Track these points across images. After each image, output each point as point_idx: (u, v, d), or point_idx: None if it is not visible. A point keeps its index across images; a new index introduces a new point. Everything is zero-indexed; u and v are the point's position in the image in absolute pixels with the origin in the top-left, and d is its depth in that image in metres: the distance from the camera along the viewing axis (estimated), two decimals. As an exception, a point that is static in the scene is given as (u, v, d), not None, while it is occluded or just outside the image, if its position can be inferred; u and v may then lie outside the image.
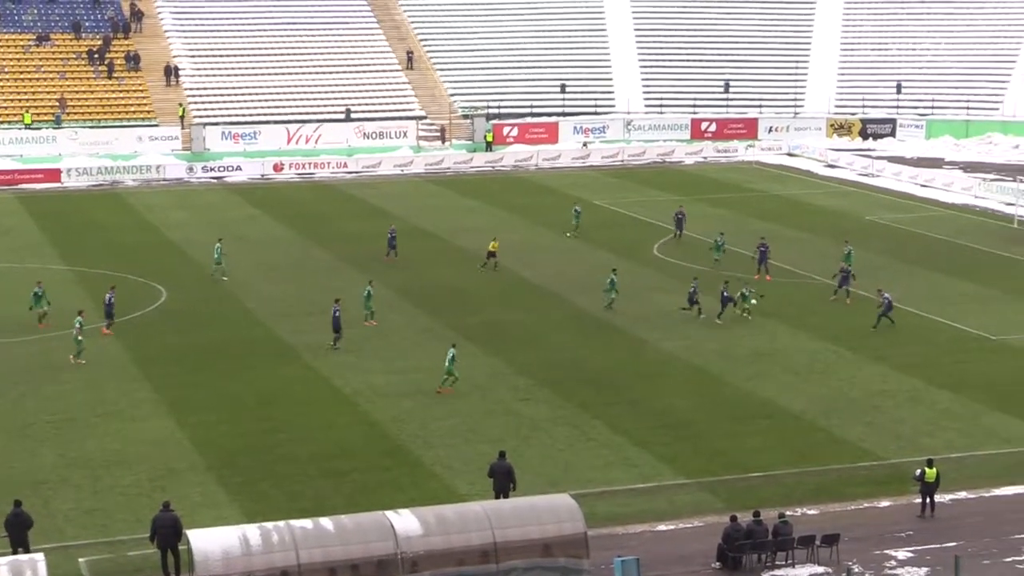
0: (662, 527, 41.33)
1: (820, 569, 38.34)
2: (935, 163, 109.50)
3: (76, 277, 72.34)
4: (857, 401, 52.08)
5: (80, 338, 56.74)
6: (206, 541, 34.72)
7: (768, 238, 74.32)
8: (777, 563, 38.66)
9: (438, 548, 35.36)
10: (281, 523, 35.64)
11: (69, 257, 77.14)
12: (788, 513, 40.30)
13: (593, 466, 45.80)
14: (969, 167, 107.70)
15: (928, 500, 41.89)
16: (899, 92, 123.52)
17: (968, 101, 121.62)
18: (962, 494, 43.39)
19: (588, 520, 37.17)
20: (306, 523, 35.65)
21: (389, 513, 36.19)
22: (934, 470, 41.74)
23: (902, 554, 39.25)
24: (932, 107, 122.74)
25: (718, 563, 38.50)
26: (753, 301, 62.50)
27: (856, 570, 37.74)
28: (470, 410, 51.12)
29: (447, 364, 52.88)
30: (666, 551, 39.34)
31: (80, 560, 38.79)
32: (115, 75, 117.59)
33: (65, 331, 58.63)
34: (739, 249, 75.06)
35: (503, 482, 41.29)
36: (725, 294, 62.37)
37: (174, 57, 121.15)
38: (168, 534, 37.39)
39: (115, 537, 40.16)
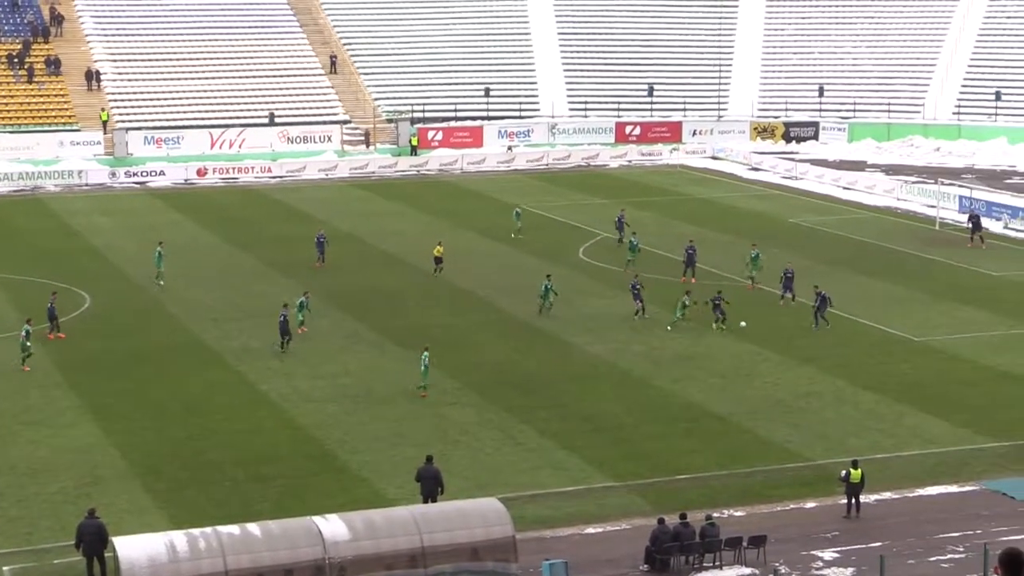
0: (590, 530, 41.41)
1: (747, 570, 38.54)
2: (858, 166, 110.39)
3: (-3, 283, 71.64)
4: (783, 403, 52.40)
5: (28, 344, 56.06)
6: (132, 548, 34.46)
7: (694, 241, 74.61)
8: (704, 565, 38.82)
9: (366, 553, 35.27)
10: (208, 529, 35.44)
11: (-10, 263, 76.36)
12: (715, 515, 40.47)
13: (521, 470, 45.82)
14: (891, 170, 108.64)
15: (854, 501, 42.22)
16: (821, 95, 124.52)
17: (890, 104, 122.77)
18: (887, 495, 43.75)
19: (516, 524, 37.17)
20: (233, 529, 35.45)
21: (317, 518, 36.05)
22: (859, 471, 42.09)
23: (828, 554, 39.53)
24: (854, 110, 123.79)
25: (646, 565, 38.62)
26: (684, 312, 62.17)
27: (783, 571, 37.95)
28: (397, 414, 51.01)
29: (423, 369, 52.87)
30: (594, 554, 39.40)
31: (4, 569, 38.35)
32: (35, 80, 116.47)
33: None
34: (666, 253, 75.39)
35: (430, 487, 41.21)
36: (637, 288, 63.31)
37: (95, 61, 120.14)
38: (94, 541, 37.06)
39: (40, 545, 39.74)
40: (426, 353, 53.54)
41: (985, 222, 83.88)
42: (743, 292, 68.44)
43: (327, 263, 75.15)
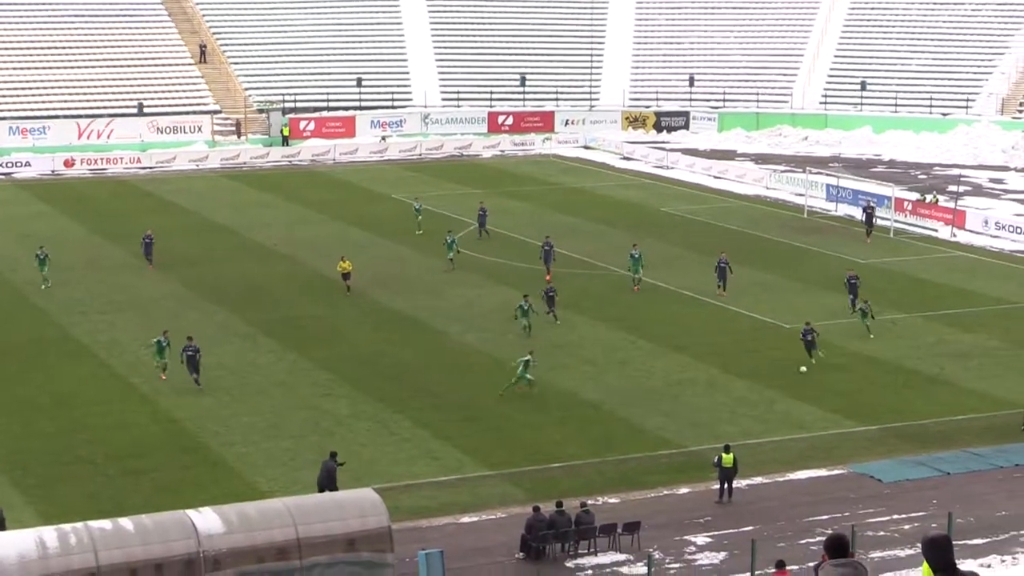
0: (466, 519, 41.52)
1: (622, 556, 38.84)
2: (728, 155, 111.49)
3: None
4: (656, 390, 52.84)
5: None
6: (1, 545, 33.89)
7: (556, 233, 74.66)
8: (580, 552, 39.08)
9: (241, 545, 35.00)
10: (79, 524, 34.94)
11: None
12: (590, 502, 40.77)
13: (396, 460, 45.79)
14: (760, 159, 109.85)
15: (726, 486, 42.72)
16: (692, 85, 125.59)
17: (758, 94, 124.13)
18: (758, 479, 44.33)
19: (392, 514, 37.12)
20: (105, 524, 35.02)
21: (190, 512, 35.71)
22: (731, 455, 42.59)
23: (701, 539, 39.98)
24: (724, 100, 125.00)
25: (521, 553, 38.79)
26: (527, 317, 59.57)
27: (657, 556, 38.31)
28: (271, 406, 50.73)
29: (520, 370, 51.76)
30: (470, 543, 39.52)
31: None
32: None
33: None
34: (536, 242, 75.62)
35: (326, 482, 41.23)
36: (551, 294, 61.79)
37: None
38: None
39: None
40: (525, 358, 52.19)
41: (850, 210, 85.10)
42: (617, 283, 68.81)
43: (195, 253, 74.43)
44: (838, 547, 14.13)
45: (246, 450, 46.40)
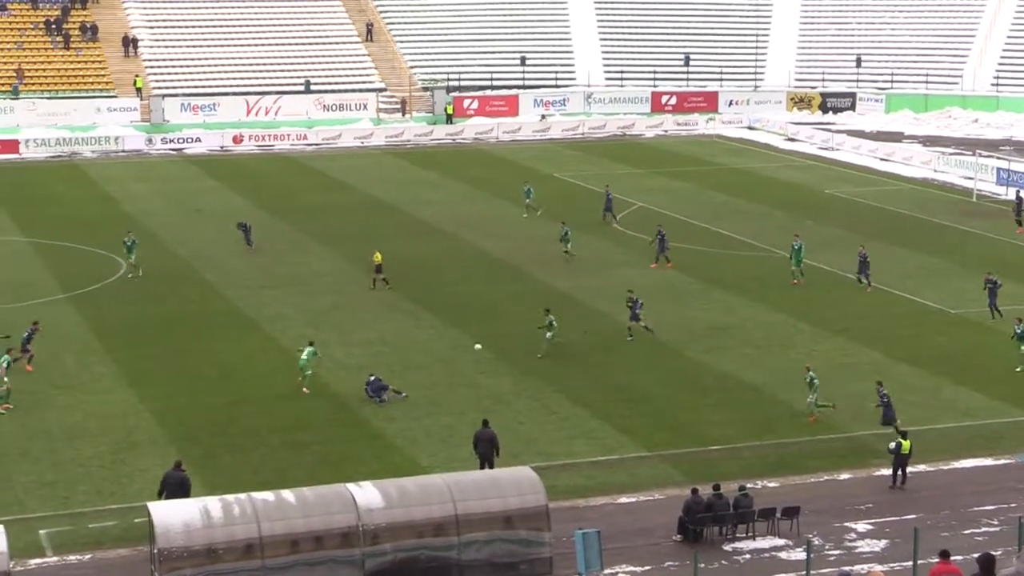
0: (623, 499, 41.43)
1: (780, 541, 38.50)
2: (894, 137, 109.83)
3: (34, 249, 71.93)
4: (817, 374, 52.15)
5: (6, 379, 48.58)
6: (167, 514, 34.62)
7: (719, 214, 73.97)
8: (738, 535, 38.81)
9: (399, 520, 35.33)
10: (243, 495, 35.55)
11: (27, 229, 76.67)
12: (748, 486, 40.43)
13: (554, 439, 45.86)
14: (928, 141, 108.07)
15: (900, 472, 42.10)
16: (859, 65, 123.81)
17: (927, 75, 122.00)
18: (922, 467, 43.56)
19: (549, 493, 37.19)
20: (268, 495, 35.57)
21: (350, 485, 36.13)
22: (908, 442, 41.89)
23: (862, 526, 39.47)
24: (892, 81, 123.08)
25: (679, 535, 38.62)
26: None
27: (816, 542, 37.89)
28: (432, 382, 51.09)
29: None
30: (627, 523, 39.44)
31: (40, 532, 38.65)
32: (72, 46, 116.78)
33: (24, 304, 58.21)
34: (704, 224, 75.23)
35: (486, 449, 41.46)
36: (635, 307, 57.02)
37: (132, 28, 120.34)
38: (176, 493, 37.73)
39: (75, 509, 40.05)
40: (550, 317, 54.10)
41: None
42: (778, 266, 68.15)
43: (360, 231, 75.19)
44: (987, 566, 13.84)
45: (406, 425, 46.78)
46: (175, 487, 38.08)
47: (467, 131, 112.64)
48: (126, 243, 66.67)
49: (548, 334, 54.42)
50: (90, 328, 57.68)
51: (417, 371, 52.27)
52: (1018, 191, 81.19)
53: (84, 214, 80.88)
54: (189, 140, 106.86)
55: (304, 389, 49.98)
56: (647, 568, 36.89)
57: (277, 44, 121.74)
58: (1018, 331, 52.94)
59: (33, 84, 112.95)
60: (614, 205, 78.89)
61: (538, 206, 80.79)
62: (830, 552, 37.86)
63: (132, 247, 66.23)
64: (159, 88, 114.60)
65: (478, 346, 55.07)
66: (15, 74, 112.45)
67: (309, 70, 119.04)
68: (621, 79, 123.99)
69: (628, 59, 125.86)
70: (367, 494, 35.58)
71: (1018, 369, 52.77)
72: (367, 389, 49.32)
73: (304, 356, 50.44)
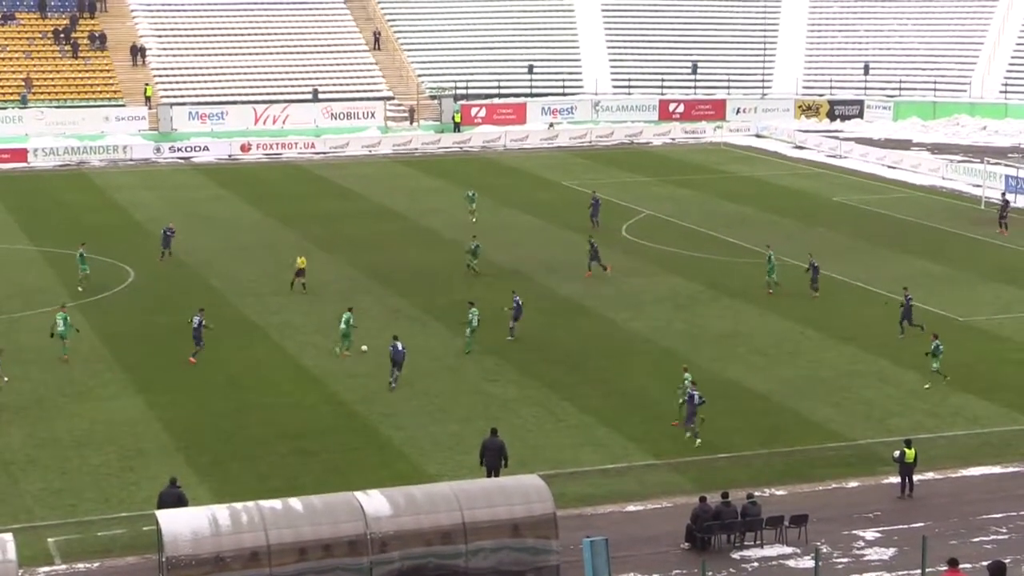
0: (631, 508, 41.42)
1: (789, 549, 38.47)
2: (903, 144, 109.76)
3: (43, 257, 72.03)
4: (825, 382, 52.22)
5: (61, 330, 53.79)
6: (175, 522, 34.63)
7: (726, 222, 73.78)
8: (746, 543, 38.78)
9: (407, 528, 35.34)
10: (250, 503, 35.58)
11: (36, 237, 76.77)
12: (756, 494, 40.41)
13: (562, 446, 45.85)
14: (936, 148, 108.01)
15: (907, 480, 42.05)
16: (867, 73, 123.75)
17: (936, 82, 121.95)
18: (930, 475, 43.54)
19: (557, 501, 37.19)
20: (275, 503, 35.60)
21: (358, 493, 36.14)
22: (913, 451, 41.87)
23: (870, 534, 39.43)
24: (900, 88, 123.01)
25: (687, 543, 38.61)
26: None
27: (825, 550, 37.86)
28: (439, 390, 51.10)
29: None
30: (635, 531, 39.43)
31: (49, 540, 38.69)
32: (81, 55, 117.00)
33: (33, 311, 58.23)
34: (710, 231, 75.12)
35: (493, 458, 41.40)
36: None
37: (140, 37, 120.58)
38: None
39: (84, 517, 40.08)
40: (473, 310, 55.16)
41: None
42: (787, 273, 68.15)
43: (369, 238, 75.21)
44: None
45: (414, 433, 46.78)
46: (172, 506, 37.61)
47: (475, 139, 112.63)
48: (81, 255, 65.34)
49: (467, 330, 55.46)
50: (98, 335, 57.72)
51: (424, 378, 52.27)
52: (1003, 193, 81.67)
53: (92, 222, 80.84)
54: (197, 149, 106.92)
55: (345, 352, 54.44)
56: (655, 576, 36.91)
57: (285, 53, 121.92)
58: (932, 348, 52.22)
59: (41, 93, 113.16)
60: (600, 211, 78.71)
61: (474, 213, 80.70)
62: (838, 560, 37.82)
63: (82, 259, 65.05)
64: (167, 97, 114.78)
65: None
66: (23, 83, 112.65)
67: (317, 79, 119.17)
68: (629, 87, 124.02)
69: (636, 67, 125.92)
70: (375, 502, 35.59)
71: (927, 386, 51.73)
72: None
73: (343, 325, 54.47)
